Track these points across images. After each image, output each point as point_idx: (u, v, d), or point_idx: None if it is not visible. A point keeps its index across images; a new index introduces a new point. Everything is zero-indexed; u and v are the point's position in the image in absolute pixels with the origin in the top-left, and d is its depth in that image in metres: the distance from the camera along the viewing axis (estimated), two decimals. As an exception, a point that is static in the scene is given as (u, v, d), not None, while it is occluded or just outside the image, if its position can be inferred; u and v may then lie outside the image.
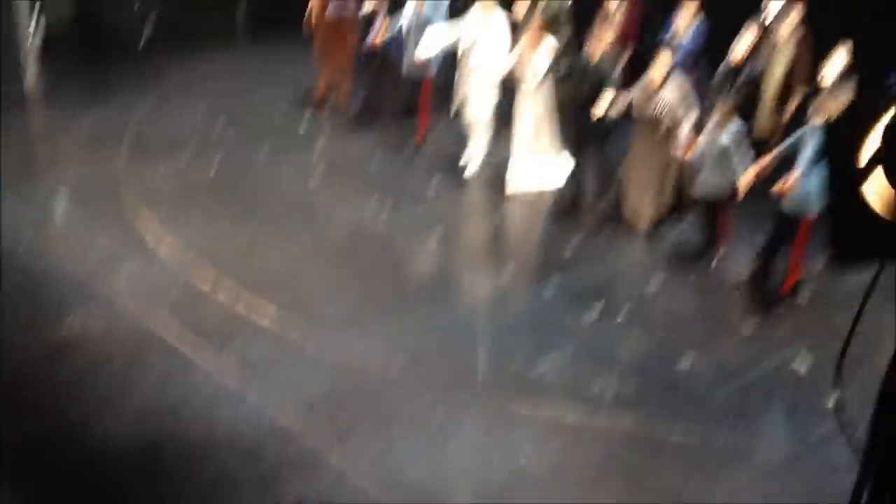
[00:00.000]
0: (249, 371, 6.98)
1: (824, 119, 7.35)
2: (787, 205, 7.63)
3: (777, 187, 7.49)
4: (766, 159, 7.76)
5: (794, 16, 9.15)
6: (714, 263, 8.37)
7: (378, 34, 10.56)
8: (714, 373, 7.13)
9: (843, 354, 3.36)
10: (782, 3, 9.60)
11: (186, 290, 7.94)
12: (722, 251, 8.48)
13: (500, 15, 9.83)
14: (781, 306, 8.01)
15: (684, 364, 7.20)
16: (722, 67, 9.27)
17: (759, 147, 8.57)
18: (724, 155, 7.89)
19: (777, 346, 7.52)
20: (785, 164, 7.71)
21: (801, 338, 7.57)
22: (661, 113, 8.34)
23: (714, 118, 7.91)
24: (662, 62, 8.35)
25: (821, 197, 7.29)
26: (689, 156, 8.17)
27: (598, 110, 8.64)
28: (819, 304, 8.00)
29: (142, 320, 7.52)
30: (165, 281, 8.07)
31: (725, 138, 7.87)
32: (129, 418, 6.46)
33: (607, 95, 8.64)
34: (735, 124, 7.91)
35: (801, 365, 7.23)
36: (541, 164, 9.75)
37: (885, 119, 2.73)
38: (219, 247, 8.61)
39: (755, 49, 9.58)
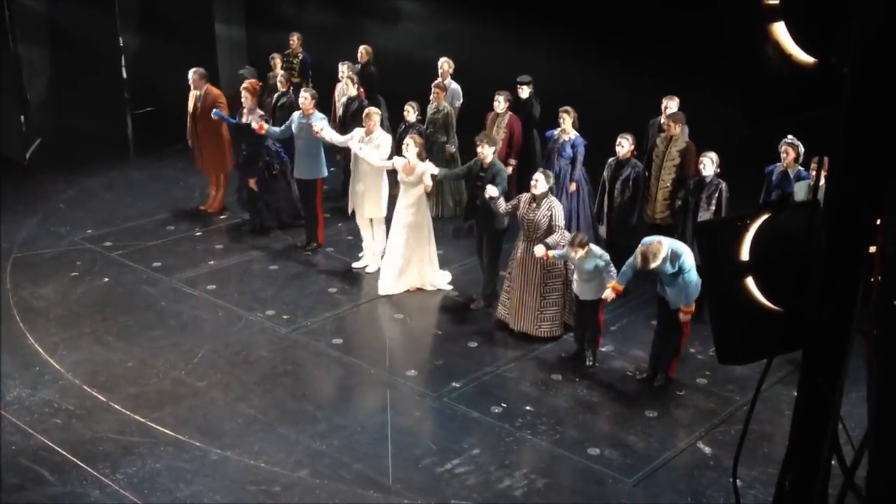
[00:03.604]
0: (147, 486, 6.68)
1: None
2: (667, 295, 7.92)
3: None
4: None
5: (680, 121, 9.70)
6: (592, 359, 8.47)
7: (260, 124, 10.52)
8: (622, 459, 7.16)
9: (738, 453, 3.40)
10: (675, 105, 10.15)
11: (79, 408, 7.63)
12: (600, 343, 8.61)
13: (381, 134, 10.03)
14: (678, 387, 8.14)
15: (593, 452, 7.22)
16: (610, 161, 9.65)
17: (654, 230, 8.93)
18: (593, 273, 8.22)
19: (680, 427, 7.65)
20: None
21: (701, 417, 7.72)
22: (534, 230, 8.62)
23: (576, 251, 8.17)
24: (537, 180, 8.60)
25: (688, 292, 7.69)
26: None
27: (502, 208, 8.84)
28: (713, 383, 8.18)
29: (33, 438, 7.17)
30: (57, 399, 7.75)
31: (590, 265, 8.19)
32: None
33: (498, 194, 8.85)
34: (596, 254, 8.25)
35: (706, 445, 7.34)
36: (411, 267, 9.80)
37: (754, 227, 2.82)
38: (110, 365, 8.32)
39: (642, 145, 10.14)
